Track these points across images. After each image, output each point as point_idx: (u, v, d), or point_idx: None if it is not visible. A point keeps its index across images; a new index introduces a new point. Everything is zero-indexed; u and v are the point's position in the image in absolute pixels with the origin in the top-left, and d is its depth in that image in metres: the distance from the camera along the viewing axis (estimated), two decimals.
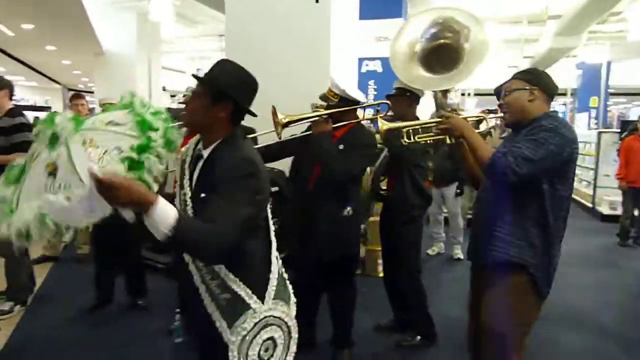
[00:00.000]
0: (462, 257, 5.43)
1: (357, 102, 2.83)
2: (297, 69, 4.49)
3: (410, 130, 2.46)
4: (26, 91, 21.84)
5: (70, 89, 21.59)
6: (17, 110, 3.80)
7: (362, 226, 4.45)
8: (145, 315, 3.75)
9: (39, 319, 3.70)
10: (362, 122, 2.92)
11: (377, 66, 7.30)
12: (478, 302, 2.10)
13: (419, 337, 3.30)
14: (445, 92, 2.84)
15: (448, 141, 2.26)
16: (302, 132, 2.85)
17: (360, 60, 7.02)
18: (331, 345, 3.04)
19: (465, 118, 2.31)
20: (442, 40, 2.59)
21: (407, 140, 2.48)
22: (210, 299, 1.58)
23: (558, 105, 16.35)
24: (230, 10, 4.91)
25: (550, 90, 2.04)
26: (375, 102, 3.09)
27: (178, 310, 3.35)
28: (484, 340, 2.05)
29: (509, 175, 1.83)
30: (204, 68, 16.59)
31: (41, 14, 9.12)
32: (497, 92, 2.19)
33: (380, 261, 4.74)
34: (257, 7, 4.69)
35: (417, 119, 3.10)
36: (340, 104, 2.77)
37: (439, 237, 5.82)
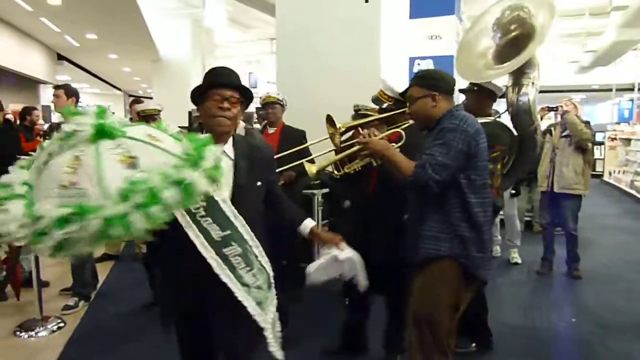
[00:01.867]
0: (519, 261, 5.23)
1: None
2: (348, 70, 4.48)
3: (339, 163, 2.50)
4: (90, 98, 23.02)
5: (130, 95, 22.59)
6: None
7: None
8: None
9: (102, 314, 3.86)
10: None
11: (429, 65, 7.17)
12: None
13: (473, 345, 3.19)
14: (519, 90, 2.76)
15: (374, 164, 2.37)
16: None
17: (412, 59, 6.91)
18: (384, 349, 3.00)
19: (360, 123, 2.48)
20: (513, 33, 2.57)
21: (337, 174, 2.51)
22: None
23: (625, 100, 15.47)
24: (280, 13, 4.97)
25: (448, 88, 2.17)
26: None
27: None
28: (410, 325, 2.19)
29: (432, 186, 1.98)
30: (256, 72, 16.90)
31: (104, 25, 9.61)
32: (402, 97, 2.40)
33: None
34: (307, 9, 4.72)
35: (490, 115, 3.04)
36: (394, 107, 2.71)
37: (495, 240, 5.62)
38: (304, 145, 3.28)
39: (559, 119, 4.75)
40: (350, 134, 2.78)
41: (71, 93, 3.99)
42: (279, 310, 3.33)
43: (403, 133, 2.45)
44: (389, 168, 2.25)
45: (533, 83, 2.81)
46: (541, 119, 4.51)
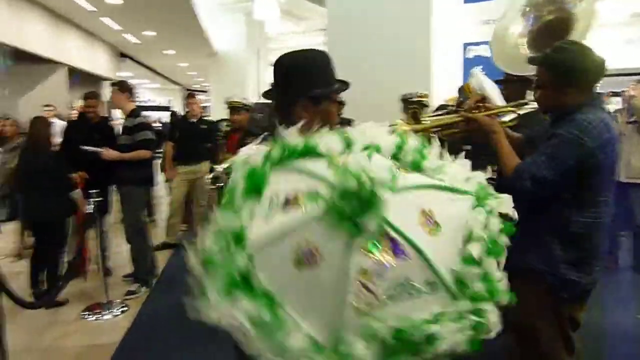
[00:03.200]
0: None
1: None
2: (398, 57, 4.41)
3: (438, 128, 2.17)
4: (151, 93, 23.94)
5: (188, 89, 23.29)
6: (137, 111, 4.16)
7: None
8: None
9: (162, 299, 4.04)
10: None
11: (484, 50, 6.94)
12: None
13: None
14: None
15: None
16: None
17: (466, 45, 6.72)
18: None
19: (492, 113, 2.07)
20: (547, 17, 2.39)
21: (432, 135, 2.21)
22: None
23: None
24: (331, 3, 4.96)
25: (590, 81, 1.81)
26: (511, 105, 2.50)
27: None
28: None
29: (526, 197, 1.73)
30: None
31: (161, 22, 9.93)
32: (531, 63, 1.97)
33: None
34: None
35: None
36: (474, 105, 2.50)
37: None
38: None
39: (623, 104, 4.46)
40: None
41: (124, 88, 4.14)
42: None
43: (517, 112, 2.18)
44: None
45: None
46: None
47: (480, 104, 2.10)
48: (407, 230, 0.95)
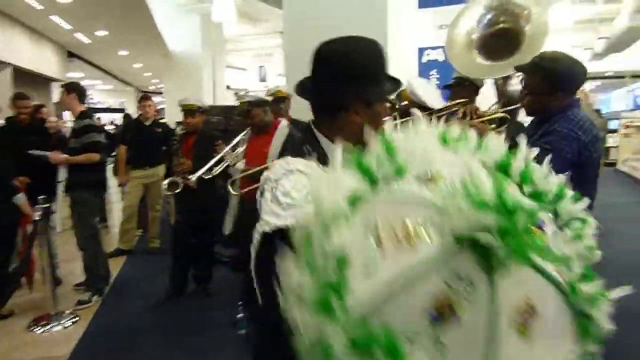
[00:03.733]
0: None
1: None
2: None
3: None
4: (103, 94, 23.24)
5: (142, 91, 22.74)
6: (87, 113, 4.01)
7: None
8: (212, 307, 3.88)
9: (115, 309, 3.92)
10: None
11: (439, 55, 7.10)
12: None
13: None
14: (506, 79, 2.70)
15: None
16: None
17: (421, 50, 6.86)
18: None
19: (484, 120, 2.18)
20: (500, 25, 2.47)
21: None
22: None
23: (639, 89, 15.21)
24: (287, 4, 4.96)
25: (576, 85, 1.96)
26: (452, 103, 2.70)
27: (240, 302, 3.44)
28: None
29: None
30: (266, 65, 16.87)
31: (114, 21, 9.67)
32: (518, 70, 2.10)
33: None
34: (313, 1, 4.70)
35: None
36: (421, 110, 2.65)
37: None
38: None
39: None
40: None
41: (72, 89, 4.00)
42: None
43: (508, 117, 2.28)
44: None
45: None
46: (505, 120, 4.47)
47: (472, 112, 2.23)
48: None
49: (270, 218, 0.98)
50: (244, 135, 3.32)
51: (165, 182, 3.72)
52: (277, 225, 0.95)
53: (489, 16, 2.51)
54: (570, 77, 1.91)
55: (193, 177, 3.21)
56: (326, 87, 1.20)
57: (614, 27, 10.68)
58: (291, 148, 1.18)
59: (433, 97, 2.73)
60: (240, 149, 3.29)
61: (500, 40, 2.46)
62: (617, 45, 10.58)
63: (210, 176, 3.25)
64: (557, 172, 1.68)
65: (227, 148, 3.27)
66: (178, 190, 3.66)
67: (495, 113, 2.32)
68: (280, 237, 0.90)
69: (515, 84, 2.70)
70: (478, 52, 2.52)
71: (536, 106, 1.97)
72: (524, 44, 2.38)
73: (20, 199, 3.60)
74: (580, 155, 1.79)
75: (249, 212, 3.25)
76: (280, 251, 0.77)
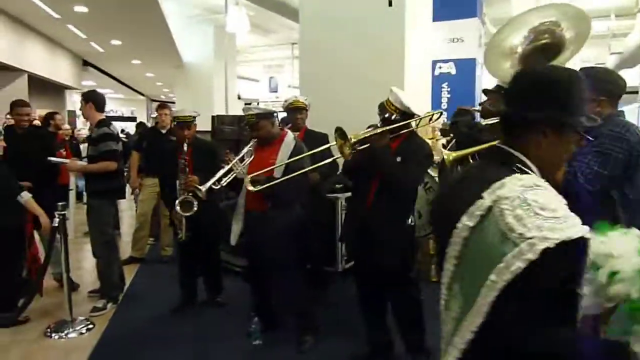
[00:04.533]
0: None
1: (414, 115, 2.81)
2: (371, 73, 4.47)
3: (476, 155, 2.29)
4: (114, 103, 23.43)
5: (153, 100, 22.92)
6: (104, 121, 4.01)
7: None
8: (223, 316, 3.88)
9: (129, 316, 3.92)
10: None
11: (450, 68, 7.15)
12: None
13: None
14: None
15: None
16: (360, 147, 2.75)
17: (434, 62, 6.89)
18: (408, 352, 2.98)
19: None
20: (542, 41, 2.55)
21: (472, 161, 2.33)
22: None
23: None
24: (304, 17, 4.99)
25: (617, 93, 2.03)
26: (430, 113, 3.01)
27: (254, 313, 3.43)
28: None
29: (584, 196, 1.77)
30: (277, 76, 16.95)
31: (128, 31, 9.78)
32: None
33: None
34: (330, 13, 4.73)
35: None
36: (400, 119, 2.74)
37: None
38: (327, 146, 3.22)
39: None
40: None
41: (88, 98, 4.02)
42: (309, 317, 3.37)
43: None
44: None
45: None
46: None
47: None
48: None
49: (545, 233, 0.97)
50: (250, 146, 3.31)
51: (178, 201, 3.62)
52: (560, 239, 0.95)
53: (533, 35, 2.61)
54: (607, 79, 2.03)
55: (203, 189, 3.19)
56: (523, 101, 1.17)
57: (627, 43, 10.66)
58: (498, 168, 1.15)
59: (416, 104, 2.81)
60: (248, 160, 3.28)
61: (538, 55, 2.53)
62: (630, 60, 10.55)
63: (219, 187, 3.24)
64: (609, 171, 1.77)
65: (236, 159, 3.26)
66: (194, 211, 3.55)
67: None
68: (564, 250, 0.95)
69: None
70: (519, 64, 2.59)
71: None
72: (563, 50, 2.45)
73: (25, 196, 3.60)
74: (630, 157, 1.83)
75: (255, 222, 3.28)
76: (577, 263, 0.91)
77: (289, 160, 3.09)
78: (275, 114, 3.36)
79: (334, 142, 2.70)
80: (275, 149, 3.22)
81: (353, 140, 2.60)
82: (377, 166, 2.71)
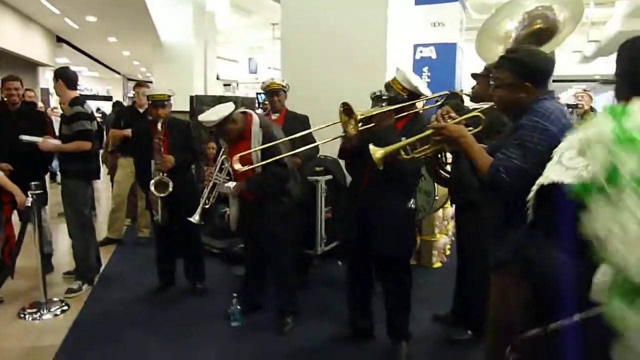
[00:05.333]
0: None
1: (421, 96, 2.76)
2: (354, 56, 4.44)
3: (408, 147, 2.22)
4: (89, 81, 22.87)
5: (129, 79, 22.45)
6: (78, 100, 3.88)
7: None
8: (202, 298, 3.86)
9: (105, 298, 3.87)
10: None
11: (431, 52, 7.14)
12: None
13: (470, 332, 3.19)
14: None
15: (447, 149, 2.14)
16: (362, 127, 2.61)
17: (415, 46, 6.88)
18: (389, 336, 3.01)
19: (458, 120, 2.12)
20: (536, 26, 2.57)
21: (405, 156, 2.22)
22: None
23: None
24: None
25: (545, 78, 1.93)
26: (437, 95, 2.83)
27: (235, 294, 3.43)
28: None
29: (507, 191, 1.81)
30: (257, 57, 16.75)
31: (104, 7, 9.50)
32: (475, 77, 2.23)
33: (434, 252, 4.67)
34: None
35: None
36: (407, 99, 2.66)
37: None
38: (308, 131, 3.22)
39: (577, 117, 4.93)
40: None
41: (60, 76, 3.88)
42: (291, 300, 3.39)
43: (482, 116, 2.16)
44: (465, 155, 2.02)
45: None
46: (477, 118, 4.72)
47: (445, 115, 2.13)
48: None
49: (549, 173, 1.23)
50: (222, 154, 3.27)
51: (152, 182, 3.57)
52: (553, 180, 1.15)
53: (527, 20, 2.62)
54: (536, 67, 1.91)
55: (197, 216, 3.19)
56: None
57: (605, 31, 10.82)
58: None
59: (423, 85, 2.78)
60: (227, 165, 3.23)
61: (532, 40, 2.54)
62: (607, 48, 10.72)
63: (208, 205, 3.25)
64: (534, 165, 1.72)
65: (215, 172, 3.23)
66: (169, 191, 3.57)
67: (467, 114, 2.25)
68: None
69: None
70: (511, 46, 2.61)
71: (506, 100, 1.95)
72: (557, 34, 2.47)
73: None
74: (551, 147, 1.66)
75: (249, 209, 3.26)
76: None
77: (262, 147, 3.02)
78: (233, 115, 3.14)
79: (337, 121, 2.56)
80: (247, 142, 3.13)
81: (359, 116, 2.47)
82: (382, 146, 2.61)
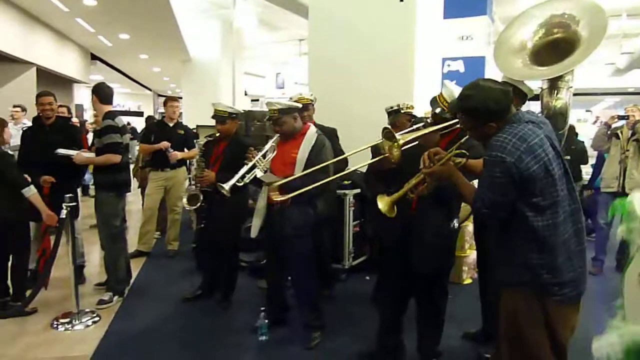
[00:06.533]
0: None
1: None
2: (382, 70, 4.44)
3: (409, 191, 2.35)
4: (121, 97, 23.47)
5: (160, 95, 22.94)
6: (110, 114, 3.97)
7: None
8: (230, 311, 3.86)
9: (135, 309, 3.91)
10: None
11: (459, 66, 7.07)
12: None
13: None
14: (556, 91, 2.69)
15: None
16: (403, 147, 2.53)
17: (443, 60, 6.84)
18: (418, 353, 2.95)
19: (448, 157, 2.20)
20: (555, 35, 2.51)
21: (411, 195, 2.35)
22: None
23: None
24: (313, 14, 4.96)
25: (501, 113, 1.96)
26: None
27: (263, 308, 3.42)
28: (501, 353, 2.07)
29: (491, 220, 1.99)
30: (283, 72, 16.91)
31: (136, 25, 9.78)
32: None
33: (465, 268, 4.58)
34: (340, 9, 4.69)
35: None
36: (452, 117, 2.51)
37: None
38: (345, 156, 3.17)
39: (628, 126, 4.91)
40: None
41: (95, 91, 4.01)
42: (317, 314, 3.35)
43: (464, 151, 2.24)
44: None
45: (569, 87, 2.75)
46: (609, 126, 5.09)
47: (432, 155, 2.22)
48: None
49: None
50: (273, 142, 3.28)
51: (186, 195, 3.68)
52: None
53: (544, 29, 2.57)
54: (490, 109, 1.94)
55: (227, 187, 3.16)
56: None
57: (638, 43, 10.57)
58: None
59: None
60: (271, 155, 3.24)
61: (552, 50, 2.49)
62: None
63: (242, 184, 3.21)
64: (503, 196, 1.85)
65: (259, 155, 3.23)
66: (199, 205, 3.63)
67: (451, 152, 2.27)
68: None
69: (565, 96, 2.70)
70: (529, 59, 2.55)
71: (478, 138, 2.07)
72: (579, 48, 2.41)
73: (29, 191, 3.60)
74: (513, 176, 1.82)
75: (276, 217, 3.25)
76: None
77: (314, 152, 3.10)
78: (297, 109, 3.28)
79: (378, 139, 2.52)
80: (298, 142, 3.19)
81: (401, 141, 2.41)
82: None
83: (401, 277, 2.85)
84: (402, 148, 2.42)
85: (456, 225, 2.76)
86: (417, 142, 2.51)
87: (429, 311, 2.87)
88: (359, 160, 2.92)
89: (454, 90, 2.59)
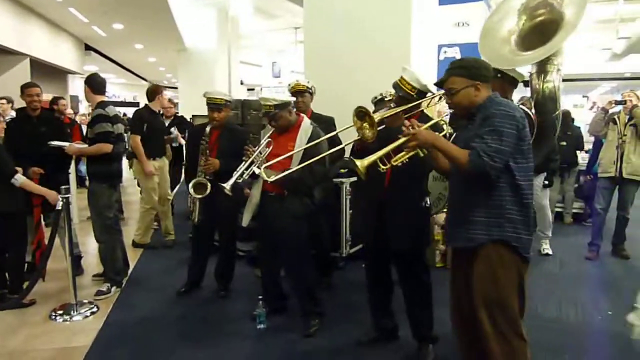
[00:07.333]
0: (550, 252, 5.13)
1: (427, 94, 2.77)
2: (378, 57, 4.42)
3: (384, 158, 2.31)
4: (116, 88, 23.36)
5: (153, 84, 22.81)
6: (101, 104, 3.92)
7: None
8: (228, 300, 3.88)
9: (133, 300, 3.92)
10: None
11: (456, 53, 7.04)
12: (461, 285, 2.27)
13: None
14: (544, 75, 2.68)
15: (421, 154, 2.24)
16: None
17: (440, 47, 6.80)
18: (415, 339, 2.97)
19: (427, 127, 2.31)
20: (539, 18, 2.48)
21: (384, 168, 2.31)
22: None
23: None
24: (309, 1, 4.92)
25: (489, 76, 2.20)
26: (439, 93, 2.79)
27: (260, 297, 3.43)
28: (480, 320, 2.14)
29: (491, 173, 2.02)
30: (280, 61, 16.81)
31: (130, 15, 9.69)
32: (439, 86, 2.35)
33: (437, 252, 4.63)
34: None
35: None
36: (417, 98, 2.69)
37: None
38: (334, 133, 3.23)
39: (625, 111, 4.90)
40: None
41: (87, 81, 3.98)
42: (315, 302, 3.36)
43: (445, 121, 2.43)
44: (433, 157, 2.27)
45: (558, 69, 2.74)
46: (606, 111, 5.03)
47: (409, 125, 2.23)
48: None
49: None
50: (268, 136, 3.29)
51: (192, 183, 3.66)
52: None
53: (525, 14, 2.56)
54: (481, 67, 2.18)
55: (227, 186, 3.17)
56: None
57: (635, 28, 10.51)
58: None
59: (431, 83, 2.76)
60: (267, 150, 3.24)
61: (537, 34, 2.48)
62: (638, 45, 10.42)
63: (241, 180, 3.23)
64: (507, 145, 1.99)
65: (257, 151, 3.23)
66: (207, 194, 3.61)
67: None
68: None
69: (556, 80, 2.69)
70: (516, 46, 2.53)
71: (463, 104, 2.18)
72: (562, 28, 2.40)
73: (18, 180, 3.58)
74: (518, 131, 2.04)
75: (271, 204, 3.26)
76: None
77: (307, 145, 3.09)
78: (291, 103, 3.31)
79: (351, 124, 2.54)
80: (293, 135, 3.20)
81: (377, 118, 2.44)
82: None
83: (381, 259, 2.94)
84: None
85: (428, 202, 2.86)
86: (384, 125, 2.59)
87: (413, 289, 2.91)
88: None
89: (416, 73, 2.74)
